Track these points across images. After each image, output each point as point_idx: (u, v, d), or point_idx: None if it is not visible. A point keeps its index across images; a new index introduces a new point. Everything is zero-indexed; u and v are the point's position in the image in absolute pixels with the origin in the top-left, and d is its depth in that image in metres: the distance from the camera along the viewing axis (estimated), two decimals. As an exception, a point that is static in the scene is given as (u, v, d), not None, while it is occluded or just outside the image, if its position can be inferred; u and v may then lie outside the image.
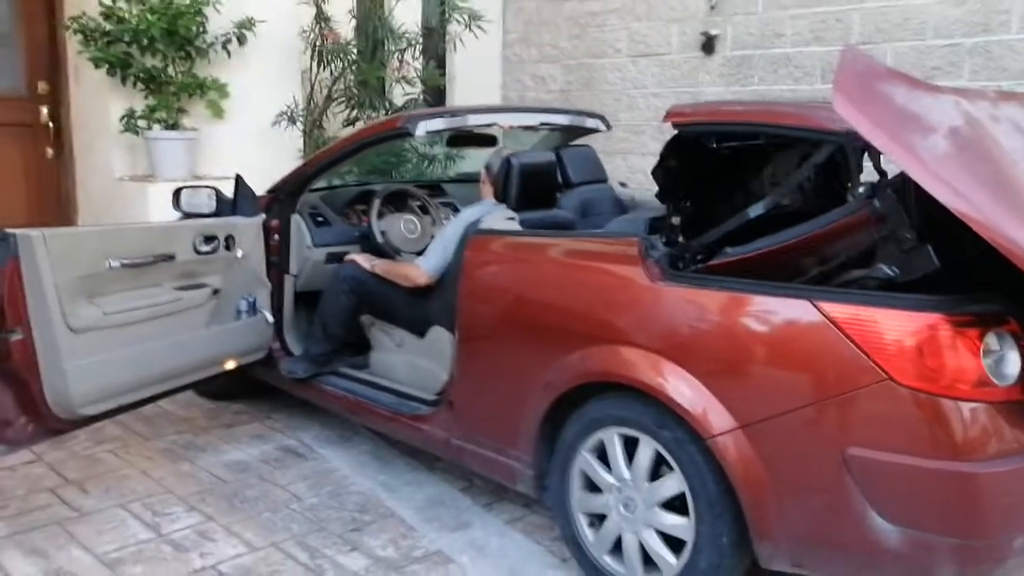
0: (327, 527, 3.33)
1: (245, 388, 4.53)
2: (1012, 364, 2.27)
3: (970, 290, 2.33)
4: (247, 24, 5.84)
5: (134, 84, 5.74)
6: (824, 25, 5.75)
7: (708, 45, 6.37)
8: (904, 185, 2.32)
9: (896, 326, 2.24)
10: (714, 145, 2.90)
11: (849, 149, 2.46)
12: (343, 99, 6.35)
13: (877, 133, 2.15)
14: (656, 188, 3.00)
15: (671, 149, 2.93)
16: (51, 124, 6.30)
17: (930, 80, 5.03)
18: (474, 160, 5.28)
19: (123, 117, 5.76)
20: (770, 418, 2.43)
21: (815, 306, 2.35)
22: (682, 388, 2.58)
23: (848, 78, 2.23)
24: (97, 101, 5.99)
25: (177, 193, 4.04)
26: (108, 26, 5.56)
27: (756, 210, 2.66)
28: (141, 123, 5.75)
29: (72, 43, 5.84)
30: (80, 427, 3.42)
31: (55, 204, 6.47)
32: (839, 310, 2.32)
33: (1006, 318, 2.30)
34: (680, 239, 2.76)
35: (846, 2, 5.66)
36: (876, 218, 2.38)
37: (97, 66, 5.58)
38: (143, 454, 3.96)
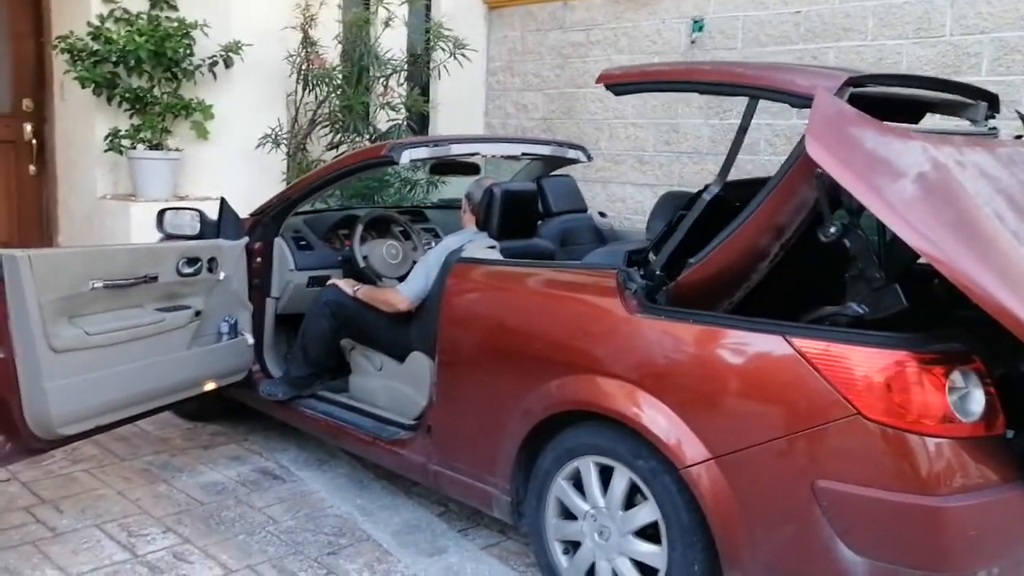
0: (303, 550, 3.35)
1: (223, 409, 4.54)
2: (976, 401, 2.33)
3: (938, 328, 2.40)
4: (234, 47, 5.89)
5: (119, 104, 5.77)
6: (801, 62, 5.88)
7: (690, 79, 6.47)
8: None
9: (865, 362, 2.31)
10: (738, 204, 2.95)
11: (818, 180, 2.53)
12: (327, 123, 6.40)
13: (848, 176, 2.23)
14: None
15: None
16: (35, 141, 6.33)
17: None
18: (456, 186, 5.34)
19: (107, 136, 5.79)
20: (742, 449, 2.48)
21: (787, 341, 2.41)
22: (657, 418, 2.63)
23: (821, 122, 2.31)
24: (82, 120, 6.02)
25: (161, 214, 4.08)
26: (95, 46, 5.60)
27: (711, 191, 2.72)
28: (125, 143, 5.78)
29: (58, 62, 5.88)
30: (58, 447, 3.42)
31: (36, 221, 6.48)
32: (810, 345, 2.38)
33: (971, 356, 2.37)
34: (657, 272, 2.81)
35: (823, 40, 5.80)
36: (818, 182, 2.44)
37: (83, 85, 5.62)
38: (119, 474, 3.95)
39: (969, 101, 3.01)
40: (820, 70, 2.75)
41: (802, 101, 2.49)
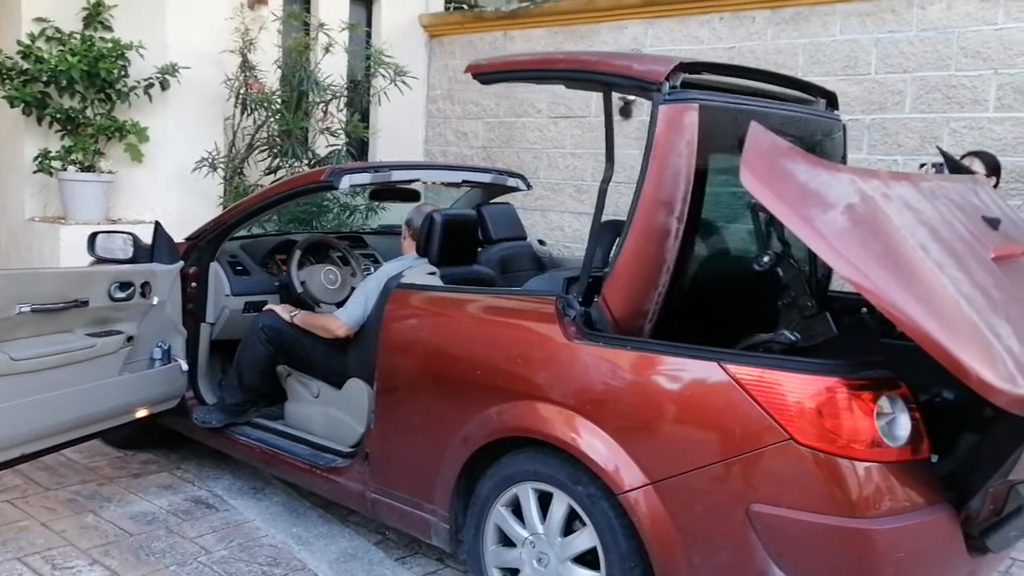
0: (237, 581, 3.28)
1: (155, 437, 4.43)
2: (903, 426, 2.41)
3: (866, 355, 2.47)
4: (170, 69, 5.82)
5: (50, 124, 5.65)
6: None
7: (626, 110, 6.60)
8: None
9: (798, 389, 2.36)
10: None
11: (755, 207, 2.62)
12: (265, 148, 6.35)
13: (781, 207, 2.30)
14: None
15: None
16: (-42, 161, 6.14)
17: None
18: (396, 212, 5.34)
19: (37, 157, 5.65)
20: (679, 475, 2.51)
21: (722, 367, 2.46)
22: (595, 444, 2.65)
23: (755, 155, 2.38)
24: (10, 139, 5.87)
25: (92, 237, 3.98)
26: (25, 65, 5.48)
27: (607, 178, 2.85)
28: (56, 164, 5.65)
29: (-14, 80, 5.73)
30: (-21, 477, 3.31)
31: (-41, 243, 6.28)
32: (745, 372, 2.43)
33: (898, 382, 2.44)
34: (596, 299, 2.85)
35: (755, 76, 5.97)
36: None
37: (12, 104, 5.48)
38: (44, 505, 3.82)
39: (809, 97, 3.24)
40: (657, 57, 2.95)
41: (639, 85, 2.72)
